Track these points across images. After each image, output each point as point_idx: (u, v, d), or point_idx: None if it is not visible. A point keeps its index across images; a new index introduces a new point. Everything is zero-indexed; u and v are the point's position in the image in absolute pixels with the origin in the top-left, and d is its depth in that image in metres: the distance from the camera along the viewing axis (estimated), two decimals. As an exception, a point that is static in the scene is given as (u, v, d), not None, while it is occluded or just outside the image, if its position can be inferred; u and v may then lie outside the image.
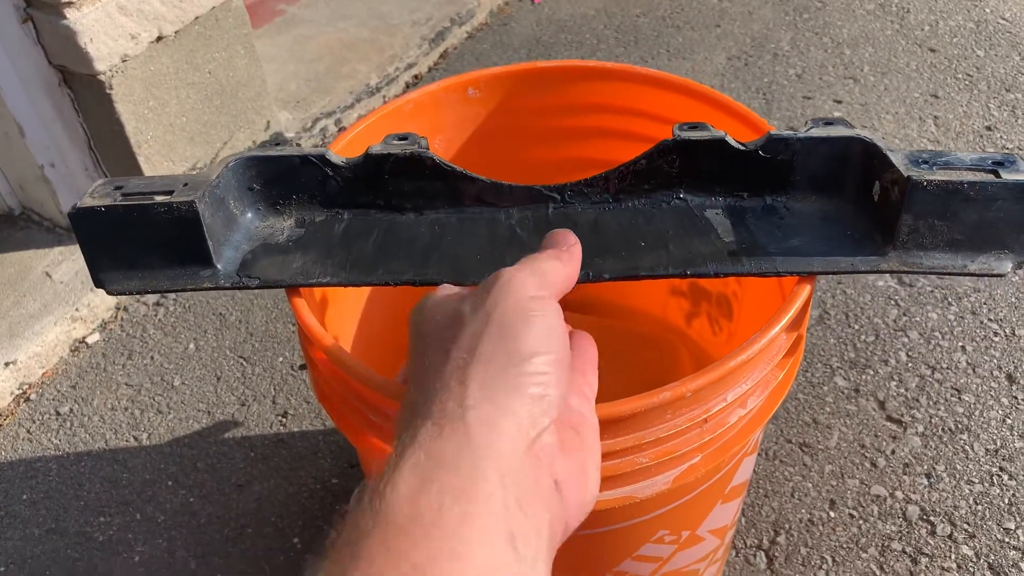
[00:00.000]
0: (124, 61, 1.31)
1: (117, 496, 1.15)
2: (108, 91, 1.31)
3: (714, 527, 0.78)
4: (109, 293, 0.67)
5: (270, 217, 0.72)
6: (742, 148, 0.67)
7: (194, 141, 1.47)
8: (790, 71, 1.85)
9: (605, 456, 0.60)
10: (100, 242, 0.65)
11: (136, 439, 1.22)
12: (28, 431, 1.25)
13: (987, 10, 1.98)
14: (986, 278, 1.20)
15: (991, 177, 0.61)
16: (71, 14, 1.23)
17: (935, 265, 0.63)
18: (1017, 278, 1.33)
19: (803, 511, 1.06)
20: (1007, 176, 0.60)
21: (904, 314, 1.30)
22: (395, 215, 0.72)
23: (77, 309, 1.37)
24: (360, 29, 1.97)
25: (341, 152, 0.77)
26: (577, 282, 0.67)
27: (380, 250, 0.69)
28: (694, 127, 0.69)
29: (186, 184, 0.66)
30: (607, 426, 0.58)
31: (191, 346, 1.35)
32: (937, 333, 1.27)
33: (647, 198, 0.71)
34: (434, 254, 0.68)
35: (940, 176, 0.60)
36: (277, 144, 0.71)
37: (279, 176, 0.70)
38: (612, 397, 0.92)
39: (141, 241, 0.65)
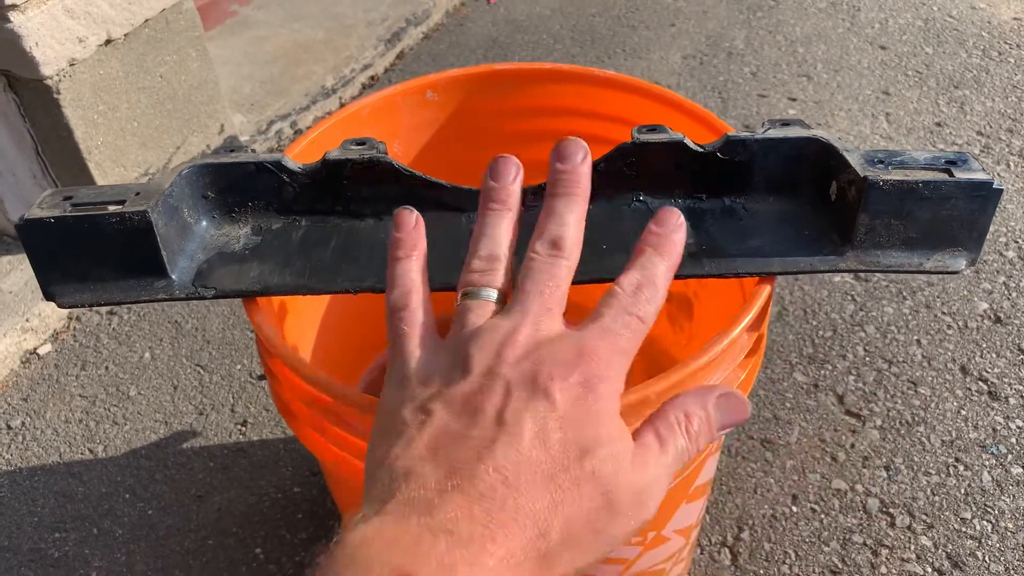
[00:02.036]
0: (72, 65, 1.28)
1: (72, 511, 1.12)
2: (56, 96, 1.27)
3: (679, 527, 0.79)
4: (60, 306, 0.65)
5: (225, 225, 0.70)
6: (700, 150, 0.68)
7: (146, 146, 1.45)
8: (745, 69, 1.87)
9: (570, 461, 0.59)
10: (50, 254, 0.63)
11: (91, 452, 1.19)
12: (-22, 446, 1.22)
13: (935, 8, 2.02)
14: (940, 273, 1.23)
15: (944, 176, 0.61)
16: (15, 17, 1.19)
17: (892, 264, 0.63)
18: (969, 272, 1.36)
19: (766, 507, 1.07)
20: (960, 175, 0.61)
21: (861, 309, 1.32)
22: (354, 221, 0.71)
23: (27, 320, 1.34)
24: (315, 30, 1.95)
25: (297, 157, 0.76)
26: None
27: (339, 257, 0.68)
28: (652, 129, 0.69)
29: (138, 193, 0.64)
30: (572, 431, 0.57)
31: (146, 355, 1.33)
32: (893, 327, 1.29)
33: (608, 201, 0.71)
34: (394, 260, 0.67)
35: (895, 176, 0.61)
36: (231, 150, 0.69)
37: (234, 183, 0.69)
38: None
39: (92, 252, 0.63)
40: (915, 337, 1.27)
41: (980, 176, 0.61)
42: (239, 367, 1.29)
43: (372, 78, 1.89)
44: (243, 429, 1.20)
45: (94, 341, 1.35)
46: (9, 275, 1.40)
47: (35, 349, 1.35)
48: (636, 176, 0.70)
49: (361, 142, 0.70)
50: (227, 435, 1.20)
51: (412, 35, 1.99)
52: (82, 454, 1.19)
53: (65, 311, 1.38)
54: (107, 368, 1.31)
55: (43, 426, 1.23)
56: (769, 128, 0.68)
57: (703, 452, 0.69)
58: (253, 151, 0.71)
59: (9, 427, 1.24)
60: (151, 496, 1.13)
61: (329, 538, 0.37)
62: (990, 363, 1.22)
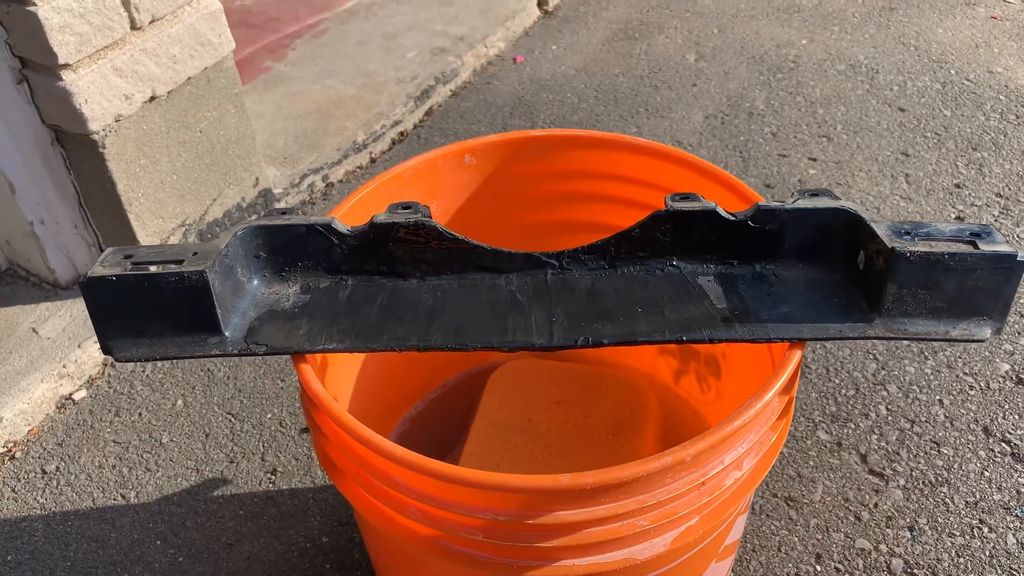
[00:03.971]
0: (117, 121, 1.33)
1: (104, 556, 1.14)
2: (101, 150, 1.32)
3: (708, 585, 0.80)
4: (117, 360, 0.68)
5: (276, 284, 0.73)
6: (732, 218, 0.71)
7: (184, 198, 1.49)
8: (765, 129, 1.91)
9: (606, 520, 0.61)
10: (110, 310, 0.67)
11: (124, 497, 1.22)
12: (13, 490, 1.24)
13: (952, 71, 2.06)
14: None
15: (969, 248, 0.64)
16: (67, 76, 1.25)
17: (919, 332, 0.66)
18: (990, 333, 1.37)
19: (790, 566, 1.08)
20: (984, 247, 0.64)
21: (882, 368, 1.33)
22: (398, 281, 0.74)
23: (64, 365, 1.37)
24: (347, 86, 2.01)
25: (343, 218, 0.80)
26: (577, 347, 0.69)
27: (384, 316, 0.71)
28: (685, 198, 0.72)
29: (195, 253, 0.67)
30: (609, 490, 0.59)
31: (179, 402, 1.35)
32: (915, 387, 1.30)
33: (642, 265, 0.74)
34: (437, 319, 0.70)
35: (922, 247, 0.64)
36: (283, 212, 0.73)
37: (286, 244, 0.72)
38: (580, 436, 0.94)
39: (151, 309, 0.67)
40: (937, 397, 1.28)
41: (1004, 248, 0.64)
42: (270, 416, 1.32)
43: (402, 134, 1.94)
44: (273, 478, 1.22)
45: (128, 388, 1.38)
46: (47, 321, 1.44)
47: (71, 394, 1.38)
48: (670, 242, 0.73)
49: (407, 206, 0.73)
50: (257, 483, 1.22)
51: (441, 92, 2.05)
52: (115, 500, 1.21)
53: (100, 358, 1.41)
54: (140, 415, 1.34)
55: (77, 471, 1.26)
56: (798, 198, 0.71)
57: (734, 511, 0.71)
58: (303, 214, 0.74)
59: (44, 471, 1.26)
60: (182, 543, 1.15)
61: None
62: (1013, 424, 1.23)
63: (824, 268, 0.71)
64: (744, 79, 2.10)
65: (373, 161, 1.88)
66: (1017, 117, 1.89)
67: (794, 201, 0.70)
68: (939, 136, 1.85)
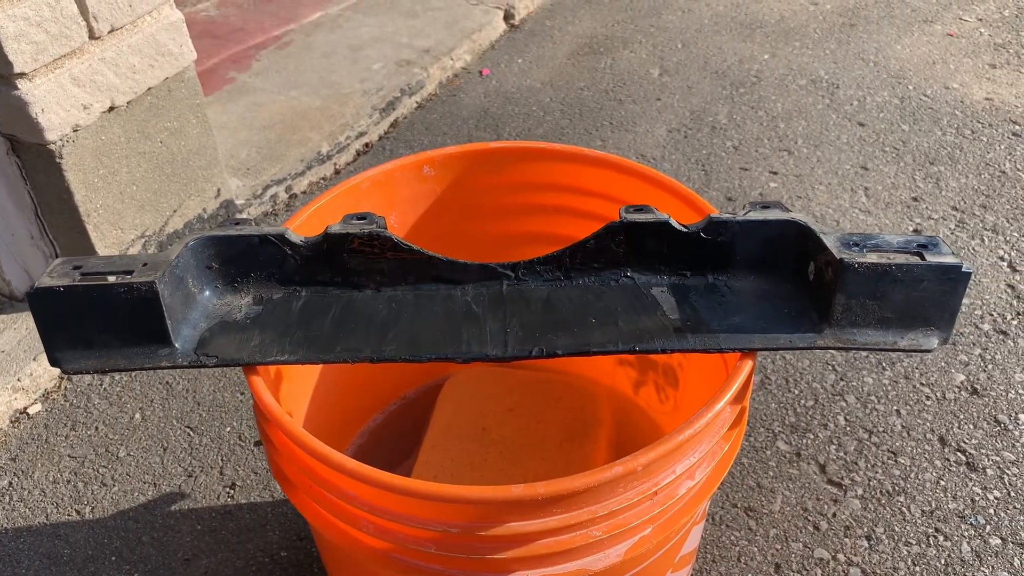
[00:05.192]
0: (75, 131, 1.31)
1: (58, 573, 1.12)
2: (58, 160, 1.31)
3: (664, 596, 0.80)
4: (65, 372, 0.67)
5: (228, 295, 0.73)
6: (684, 230, 0.71)
7: (144, 209, 1.47)
8: (727, 143, 1.93)
9: (558, 531, 0.61)
10: (58, 321, 0.66)
11: (79, 513, 1.19)
12: (-36, 506, 1.21)
13: (910, 87, 2.10)
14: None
15: (916, 259, 0.65)
16: (23, 85, 1.23)
17: (868, 342, 0.67)
18: (948, 344, 1.39)
19: None
20: (931, 258, 0.65)
21: (841, 379, 1.35)
22: (352, 292, 0.74)
23: (19, 379, 1.34)
24: (312, 98, 2.01)
25: (299, 229, 0.79)
26: (531, 357, 0.69)
27: (338, 327, 0.70)
28: (639, 209, 0.72)
29: (145, 264, 0.67)
30: (561, 501, 0.59)
31: (137, 416, 1.33)
32: (873, 397, 1.31)
33: (597, 276, 0.74)
34: (391, 330, 0.70)
35: (870, 258, 0.65)
36: (236, 223, 0.72)
37: (238, 255, 0.72)
38: (533, 443, 0.95)
39: (99, 320, 0.66)
40: (895, 407, 1.30)
41: (950, 260, 0.65)
42: (229, 429, 1.30)
43: (366, 145, 1.94)
44: (231, 492, 1.21)
45: (85, 401, 1.36)
46: (2, 334, 1.41)
47: (25, 408, 1.35)
48: (624, 253, 0.73)
49: (362, 216, 0.73)
50: (215, 498, 1.20)
51: (406, 104, 2.05)
52: (69, 515, 1.19)
53: (57, 371, 1.39)
54: (97, 429, 1.32)
55: (31, 486, 1.23)
56: (750, 210, 0.72)
57: (688, 521, 0.71)
58: (257, 224, 0.74)
59: (-4, 487, 1.24)
60: (138, 559, 1.13)
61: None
62: (967, 434, 1.25)
63: (775, 279, 0.72)
64: (707, 94, 2.12)
65: (337, 172, 1.87)
66: (972, 132, 1.93)
67: (745, 213, 0.71)
68: (897, 150, 1.88)
